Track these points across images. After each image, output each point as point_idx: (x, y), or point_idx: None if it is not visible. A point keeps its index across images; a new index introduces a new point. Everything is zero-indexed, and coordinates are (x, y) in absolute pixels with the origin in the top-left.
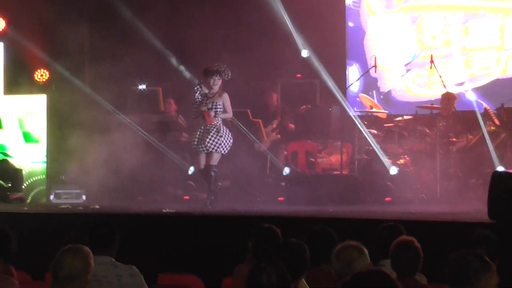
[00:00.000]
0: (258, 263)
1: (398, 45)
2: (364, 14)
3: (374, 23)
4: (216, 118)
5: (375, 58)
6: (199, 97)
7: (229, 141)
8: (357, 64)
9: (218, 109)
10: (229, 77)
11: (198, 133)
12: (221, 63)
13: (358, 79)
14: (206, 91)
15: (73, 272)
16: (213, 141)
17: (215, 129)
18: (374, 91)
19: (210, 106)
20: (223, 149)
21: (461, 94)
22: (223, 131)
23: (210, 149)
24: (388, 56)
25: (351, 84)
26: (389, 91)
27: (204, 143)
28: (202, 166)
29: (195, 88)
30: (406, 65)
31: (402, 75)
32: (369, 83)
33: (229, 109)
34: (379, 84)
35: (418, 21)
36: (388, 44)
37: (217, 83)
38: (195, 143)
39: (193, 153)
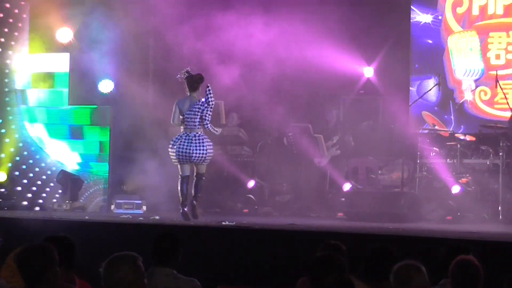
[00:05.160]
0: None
1: (469, 61)
2: (444, 32)
3: (452, 40)
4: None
5: (440, 76)
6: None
7: (211, 151)
8: (435, 78)
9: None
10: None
11: (179, 142)
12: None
13: (422, 95)
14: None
15: (123, 279)
16: (198, 152)
17: (200, 140)
18: (450, 101)
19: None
20: (207, 160)
21: None
22: (206, 141)
23: (196, 161)
24: (461, 71)
25: (416, 100)
26: (463, 103)
27: (187, 154)
28: (187, 173)
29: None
30: (475, 80)
31: (472, 90)
32: (447, 94)
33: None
34: (455, 95)
35: (486, 40)
36: (462, 60)
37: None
38: (174, 153)
39: (175, 162)
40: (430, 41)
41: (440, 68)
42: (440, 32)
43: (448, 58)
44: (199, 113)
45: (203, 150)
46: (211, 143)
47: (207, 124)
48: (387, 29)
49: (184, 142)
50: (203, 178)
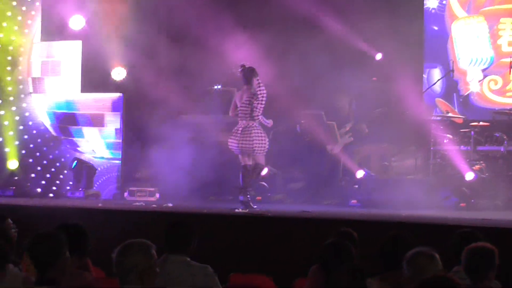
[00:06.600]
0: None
1: (476, 49)
2: (448, 18)
3: (456, 27)
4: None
5: (453, 62)
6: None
7: (259, 142)
8: (440, 67)
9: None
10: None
11: (233, 133)
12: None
13: (434, 83)
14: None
15: (135, 266)
16: (244, 142)
17: (247, 131)
18: (454, 94)
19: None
20: (256, 150)
21: None
22: (255, 133)
23: (244, 150)
24: (467, 60)
25: (428, 88)
26: (468, 95)
27: (237, 144)
28: (244, 163)
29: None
30: (483, 70)
31: (479, 81)
32: (451, 86)
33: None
34: (459, 87)
35: (496, 26)
36: (467, 48)
37: None
38: (229, 143)
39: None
40: (435, 28)
41: (444, 57)
42: (444, 19)
43: (452, 46)
44: (250, 105)
45: (249, 140)
46: (262, 135)
47: (257, 115)
48: (401, 15)
49: (236, 133)
50: (246, 169)
